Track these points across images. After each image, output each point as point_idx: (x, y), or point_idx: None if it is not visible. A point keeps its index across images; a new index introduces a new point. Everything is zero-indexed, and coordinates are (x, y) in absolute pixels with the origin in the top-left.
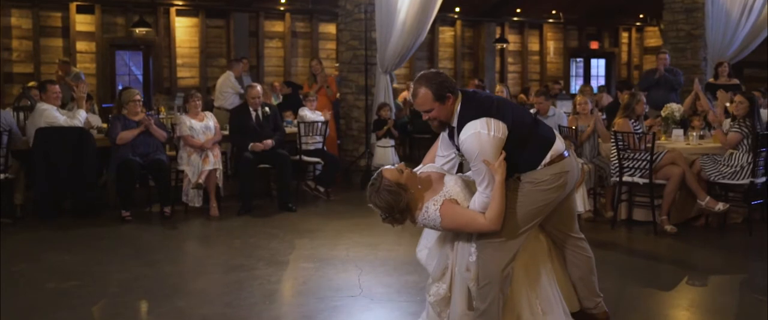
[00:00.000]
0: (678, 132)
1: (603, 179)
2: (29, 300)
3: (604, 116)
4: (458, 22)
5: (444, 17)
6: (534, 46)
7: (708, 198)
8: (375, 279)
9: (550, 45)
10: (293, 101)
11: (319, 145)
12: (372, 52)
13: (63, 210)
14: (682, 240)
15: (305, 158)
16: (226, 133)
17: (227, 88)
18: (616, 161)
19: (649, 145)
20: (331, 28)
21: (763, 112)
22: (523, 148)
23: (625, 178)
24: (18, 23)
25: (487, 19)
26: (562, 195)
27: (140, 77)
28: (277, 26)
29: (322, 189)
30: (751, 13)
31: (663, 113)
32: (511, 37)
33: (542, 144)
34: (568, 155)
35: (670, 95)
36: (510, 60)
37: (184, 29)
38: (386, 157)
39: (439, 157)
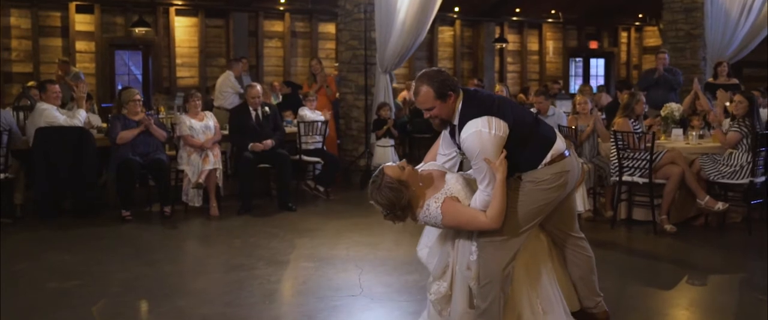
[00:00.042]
0: (677, 131)
1: (603, 179)
2: (29, 299)
3: (604, 116)
4: (457, 22)
5: (443, 17)
6: (533, 45)
7: (707, 197)
8: (375, 278)
9: (550, 45)
10: (293, 101)
11: (319, 145)
12: (371, 51)
13: (63, 210)
14: (682, 240)
15: (305, 158)
16: (226, 132)
17: (227, 87)
18: (616, 161)
19: (648, 144)
20: (330, 28)
21: (762, 111)
22: (524, 147)
23: (625, 178)
24: (17, 23)
25: (487, 19)
26: (563, 194)
27: (140, 77)
28: (277, 26)
29: (321, 189)
30: (751, 13)
31: (662, 113)
32: (511, 37)
33: (543, 143)
34: (569, 154)
35: (670, 95)
36: (509, 60)
37: (183, 29)
38: (386, 156)
39: (441, 155)
